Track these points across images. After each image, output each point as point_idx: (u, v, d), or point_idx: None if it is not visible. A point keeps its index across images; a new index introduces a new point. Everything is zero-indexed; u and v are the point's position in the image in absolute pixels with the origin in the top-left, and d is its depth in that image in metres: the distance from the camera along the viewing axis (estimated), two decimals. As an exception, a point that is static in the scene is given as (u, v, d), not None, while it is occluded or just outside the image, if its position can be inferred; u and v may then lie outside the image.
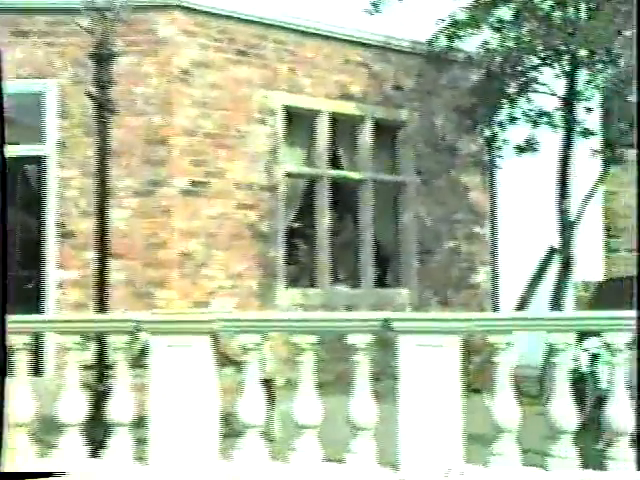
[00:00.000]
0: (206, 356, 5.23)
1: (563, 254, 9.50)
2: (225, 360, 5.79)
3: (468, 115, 9.32)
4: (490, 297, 12.94)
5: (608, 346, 4.99)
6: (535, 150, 9.22)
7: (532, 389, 9.13)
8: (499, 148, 9.92)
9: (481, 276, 12.97)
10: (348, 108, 10.89)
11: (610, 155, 9.02)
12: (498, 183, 13.71)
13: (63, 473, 4.70)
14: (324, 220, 10.73)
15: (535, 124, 8.93)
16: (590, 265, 13.85)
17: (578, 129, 8.99)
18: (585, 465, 5.02)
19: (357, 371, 5.17)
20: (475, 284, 12.85)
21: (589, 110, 8.88)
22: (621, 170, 14.51)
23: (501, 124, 9.20)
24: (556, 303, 9.21)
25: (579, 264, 13.01)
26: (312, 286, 10.72)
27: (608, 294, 11.25)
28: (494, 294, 13.14)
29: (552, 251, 10.38)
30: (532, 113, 9.04)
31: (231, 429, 5.45)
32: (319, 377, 5.35)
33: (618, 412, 4.92)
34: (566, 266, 9.51)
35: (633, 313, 5.07)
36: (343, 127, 11.10)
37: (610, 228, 14.53)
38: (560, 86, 8.92)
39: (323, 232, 10.75)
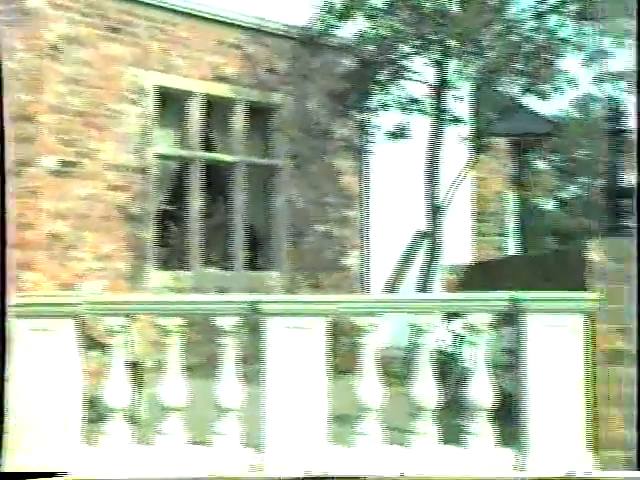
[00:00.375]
0: (70, 340, 5.13)
1: (431, 238, 9.74)
2: (91, 343, 5.69)
3: (340, 100, 9.42)
4: (361, 280, 13.16)
5: (470, 327, 5.17)
6: (406, 136, 9.41)
7: (399, 370, 9.35)
8: (371, 133, 10.06)
9: (352, 259, 13.16)
10: (222, 90, 10.82)
11: (478, 143, 9.30)
12: (370, 167, 13.93)
13: (65, 473, 4.70)
14: (196, 202, 10.66)
15: (406, 111, 9.11)
16: (459, 249, 14.25)
17: (447, 117, 9.22)
18: (446, 441, 5.19)
19: (224, 354, 5.18)
20: (346, 267, 13.03)
21: (458, 99, 9.12)
22: (490, 157, 15.01)
23: (373, 110, 9.34)
24: (423, 286, 9.45)
25: (448, 248, 13.39)
26: (183, 268, 10.64)
27: (474, 277, 11.64)
28: (365, 277, 13.37)
29: (421, 235, 10.63)
30: (403, 100, 9.20)
31: (97, 413, 5.38)
32: (189, 360, 5.33)
33: (478, 389, 5.10)
34: (434, 250, 9.75)
35: (495, 294, 5.27)
36: (216, 109, 11.02)
37: (479, 213, 14.99)
38: (431, 74, 9.11)
39: (194, 214, 10.68)
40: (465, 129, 9.29)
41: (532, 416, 4.98)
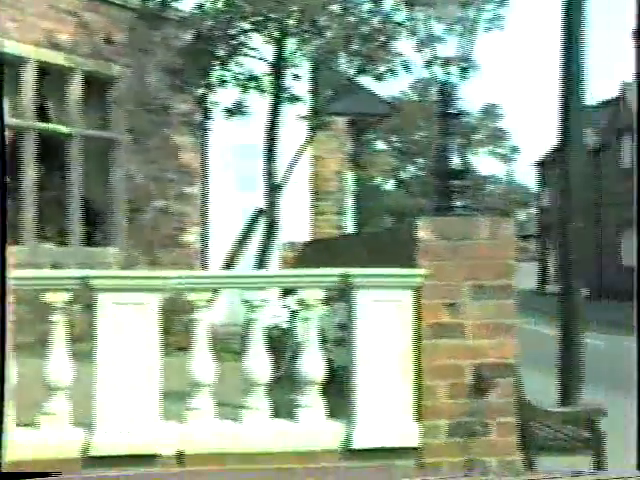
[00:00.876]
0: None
1: (268, 216, 9.80)
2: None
3: (178, 75, 9.29)
4: (200, 257, 13.09)
5: (303, 302, 5.24)
6: (244, 114, 9.39)
7: (235, 345, 9.38)
8: (208, 110, 9.98)
9: (191, 236, 13.08)
10: (57, 58, 10.46)
11: (316, 121, 9.39)
12: (210, 144, 13.85)
13: (59, 473, 4.59)
14: (30, 174, 10.29)
15: (244, 88, 9.09)
16: (298, 227, 14.41)
17: (286, 95, 9.27)
18: (278, 415, 5.26)
19: (54, 331, 5.04)
20: (185, 243, 12.94)
21: (296, 77, 9.18)
22: (328, 137, 15.19)
23: (210, 86, 9.27)
24: (260, 263, 9.50)
25: (287, 226, 13.50)
26: (16, 243, 10.26)
27: (311, 254, 11.80)
28: (204, 254, 13.31)
29: (259, 212, 10.67)
30: (241, 77, 9.17)
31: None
32: (18, 338, 5.15)
33: (309, 363, 5.19)
34: (271, 227, 9.82)
35: (326, 271, 5.36)
36: (52, 78, 10.67)
37: (318, 192, 15.18)
38: (270, 52, 9.13)
39: (29, 187, 10.31)
40: (303, 108, 9.36)
41: (361, 389, 5.10)
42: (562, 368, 10.56)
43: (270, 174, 9.62)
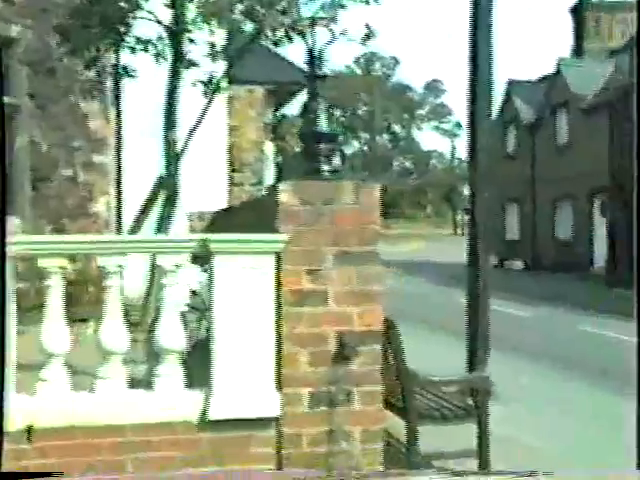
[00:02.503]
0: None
1: (168, 184, 9.57)
2: None
3: (69, 37, 8.97)
4: (109, 226, 12.82)
5: (161, 268, 5.08)
6: (132, 77, 9.14)
7: (135, 316, 9.23)
8: (113, 75, 9.66)
9: (100, 205, 12.79)
10: (-51, 19, 10.08)
11: (212, 87, 9.16)
12: (121, 111, 13.54)
13: (61, 473, 4.51)
14: None
15: (133, 50, 8.81)
16: (214, 197, 14.20)
17: (184, 60, 9.02)
18: (132, 385, 5.10)
19: None
20: (94, 213, 12.65)
21: (192, 41, 8.93)
22: (244, 106, 14.95)
23: (99, 49, 8.95)
24: (159, 232, 9.28)
25: (202, 196, 13.29)
26: None
27: (218, 223, 11.61)
28: (113, 224, 13.05)
29: (161, 181, 10.43)
30: (138, 40, 8.89)
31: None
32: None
33: (166, 331, 5.03)
34: (171, 196, 9.60)
35: (184, 236, 5.20)
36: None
37: (234, 162, 14.99)
38: (167, 15, 8.86)
39: None
40: (202, 73, 9.12)
41: (219, 358, 4.96)
42: (470, 336, 10.60)
43: (169, 142, 9.38)
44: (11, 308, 4.74)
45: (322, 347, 5.05)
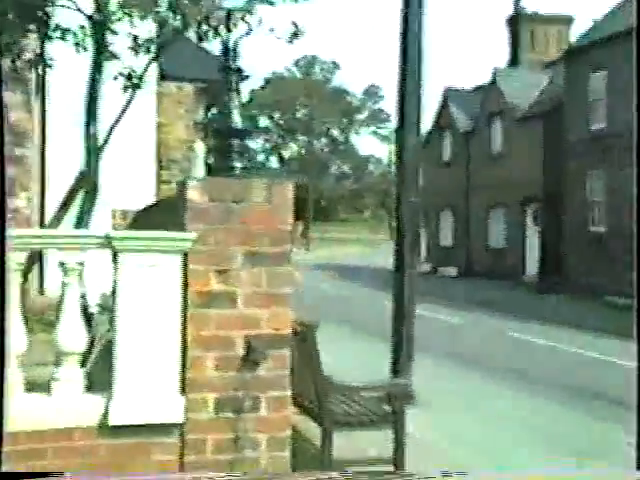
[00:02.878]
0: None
1: (87, 179, 9.28)
2: None
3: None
4: (29, 223, 12.46)
5: (62, 265, 4.85)
6: (49, 66, 8.85)
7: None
8: (18, 63, 9.31)
9: (20, 201, 12.42)
10: None
11: (133, 82, 8.90)
12: (46, 103, 13.19)
13: (61, 474, 4.41)
14: None
15: (50, 39, 8.51)
16: (141, 194, 13.89)
17: (105, 51, 8.75)
18: (34, 389, 4.86)
19: None
20: (14, 209, 12.27)
21: (114, 33, 8.67)
22: (172, 103, 14.69)
23: (13, 37, 8.62)
24: (78, 228, 8.99)
25: (129, 194, 12.97)
26: None
27: (140, 220, 11.33)
28: (34, 220, 12.69)
29: (81, 176, 10.12)
30: (55, 28, 8.59)
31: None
32: None
33: (66, 332, 4.81)
34: (91, 191, 9.31)
35: (85, 232, 4.99)
36: None
37: (161, 160, 14.71)
38: (89, 4, 8.58)
39: None
40: (123, 67, 8.86)
41: (121, 360, 4.75)
42: (394, 342, 10.52)
43: (89, 135, 9.09)
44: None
45: (229, 351, 4.87)
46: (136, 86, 8.80)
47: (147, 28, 9.06)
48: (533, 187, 32.12)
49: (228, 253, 4.89)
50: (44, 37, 8.32)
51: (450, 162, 40.71)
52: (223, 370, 4.86)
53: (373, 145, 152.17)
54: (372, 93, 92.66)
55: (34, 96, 12.42)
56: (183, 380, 4.84)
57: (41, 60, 8.60)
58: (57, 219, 10.76)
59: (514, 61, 39.13)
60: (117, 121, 9.29)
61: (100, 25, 8.62)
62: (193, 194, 4.87)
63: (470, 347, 16.57)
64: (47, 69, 8.84)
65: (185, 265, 4.86)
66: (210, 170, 5.24)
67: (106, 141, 9.32)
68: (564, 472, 6.90)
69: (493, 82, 36.36)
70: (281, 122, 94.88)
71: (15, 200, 12.35)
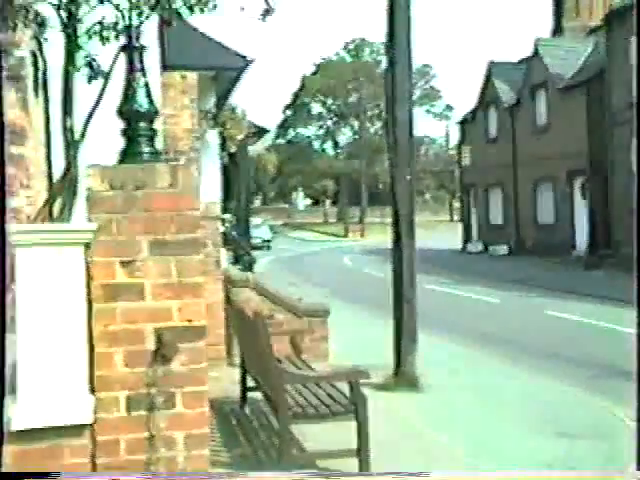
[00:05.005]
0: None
1: (68, 173, 9.14)
2: None
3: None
4: (31, 221, 12.40)
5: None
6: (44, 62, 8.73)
7: None
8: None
9: (22, 199, 12.37)
10: None
11: (96, 72, 8.68)
12: (49, 101, 13.10)
13: (58, 474, 4.40)
14: None
15: (14, 29, 8.34)
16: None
17: (72, 42, 8.56)
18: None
19: None
20: (14, 208, 12.21)
21: (79, 21, 8.46)
22: (178, 93, 14.51)
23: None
24: (60, 221, 8.87)
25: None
26: None
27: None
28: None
29: (65, 171, 10.00)
30: (36, 21, 8.44)
31: None
32: None
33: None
34: (71, 185, 9.17)
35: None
36: None
37: (168, 152, 14.54)
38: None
39: None
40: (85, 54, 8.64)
41: (22, 361, 4.54)
42: (395, 324, 10.20)
43: (67, 129, 8.94)
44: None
45: (139, 346, 4.64)
46: (101, 75, 8.59)
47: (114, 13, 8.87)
48: (579, 159, 31.27)
49: (133, 243, 4.66)
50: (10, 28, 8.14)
51: (496, 138, 40.00)
52: (134, 366, 4.63)
53: (427, 125, 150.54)
54: (424, 72, 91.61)
55: (33, 94, 12.33)
56: (91, 378, 4.62)
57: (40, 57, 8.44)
58: (40, 213, 10.68)
59: (557, 30, 38.11)
60: (91, 114, 9.11)
61: (67, 11, 8.44)
62: (92, 181, 4.65)
63: (504, 328, 16.13)
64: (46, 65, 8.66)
65: (88, 257, 4.63)
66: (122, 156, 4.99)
67: (83, 135, 9.16)
68: (564, 473, 6.58)
69: (536, 53, 35.49)
70: (333, 107, 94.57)
71: (15, 199, 12.30)
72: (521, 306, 19.79)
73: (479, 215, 43.02)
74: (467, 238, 44.47)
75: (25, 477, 4.34)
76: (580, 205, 32.27)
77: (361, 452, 6.16)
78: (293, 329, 9.99)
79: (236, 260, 18.05)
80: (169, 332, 4.65)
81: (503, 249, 38.03)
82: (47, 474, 4.38)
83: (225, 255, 15.65)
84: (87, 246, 4.64)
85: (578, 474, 6.54)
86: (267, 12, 8.71)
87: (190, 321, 4.69)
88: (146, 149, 4.90)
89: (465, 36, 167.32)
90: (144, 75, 4.97)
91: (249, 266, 17.78)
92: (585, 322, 16.24)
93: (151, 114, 4.95)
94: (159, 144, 4.85)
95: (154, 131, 4.99)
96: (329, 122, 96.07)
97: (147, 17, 6.34)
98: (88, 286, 4.63)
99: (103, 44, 8.79)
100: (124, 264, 4.64)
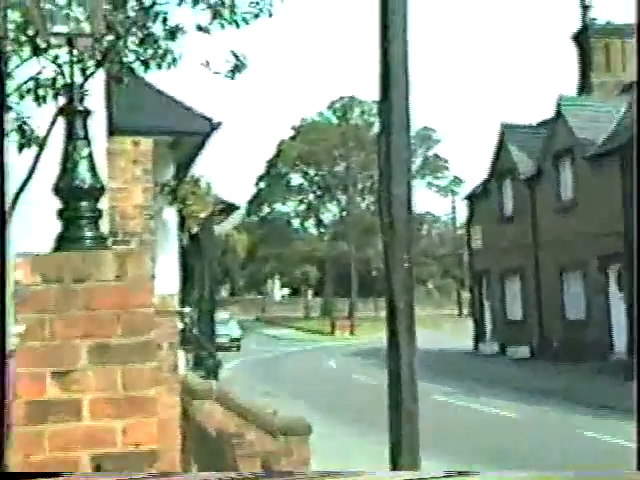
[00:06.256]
0: None
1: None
2: None
3: None
4: None
5: None
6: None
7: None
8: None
9: None
10: None
11: (27, 138, 8.74)
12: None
13: (59, 474, 4.43)
14: None
15: None
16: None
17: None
18: None
19: None
20: None
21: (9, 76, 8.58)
22: (129, 162, 14.64)
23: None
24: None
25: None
26: None
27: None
28: None
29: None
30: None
31: None
32: None
33: None
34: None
35: None
36: None
37: (116, 233, 14.56)
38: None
39: None
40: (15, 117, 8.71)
41: None
42: (392, 440, 10.06)
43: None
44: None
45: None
46: (35, 143, 8.64)
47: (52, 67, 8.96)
48: (614, 241, 31.47)
49: (69, 349, 4.60)
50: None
51: (513, 216, 40.33)
52: None
53: (430, 199, 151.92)
54: (425, 137, 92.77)
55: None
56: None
57: None
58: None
59: (584, 86, 38.80)
60: (20, 190, 9.14)
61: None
62: (21, 274, 4.61)
63: (527, 450, 15.97)
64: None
65: (13, 367, 4.57)
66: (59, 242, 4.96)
67: (11, 210, 9.16)
68: (565, 474, 6.93)
69: (559, 114, 36.02)
70: (316, 178, 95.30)
71: None
72: (547, 424, 19.66)
73: (493, 309, 43.08)
74: (479, 337, 44.44)
75: (26, 478, 4.46)
76: (617, 297, 32.38)
77: None
78: (266, 450, 9.83)
79: (197, 364, 17.92)
80: (110, 461, 4.56)
81: (523, 351, 37.97)
82: (47, 474, 4.42)
83: (184, 359, 15.54)
84: (11, 354, 4.58)
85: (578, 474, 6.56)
86: (237, 68, 8.87)
87: (138, 445, 4.61)
88: (88, 233, 4.88)
89: (474, 94, 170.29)
90: (88, 144, 4.97)
91: (213, 372, 17.67)
92: (633, 448, 16.13)
93: (95, 190, 4.94)
94: (104, 226, 4.82)
95: (98, 211, 4.98)
96: (311, 196, 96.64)
97: (92, 74, 6.43)
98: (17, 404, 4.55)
99: (38, 105, 8.93)
100: (57, 376, 4.58)
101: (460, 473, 4.87)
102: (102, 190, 5.02)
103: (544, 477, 6.17)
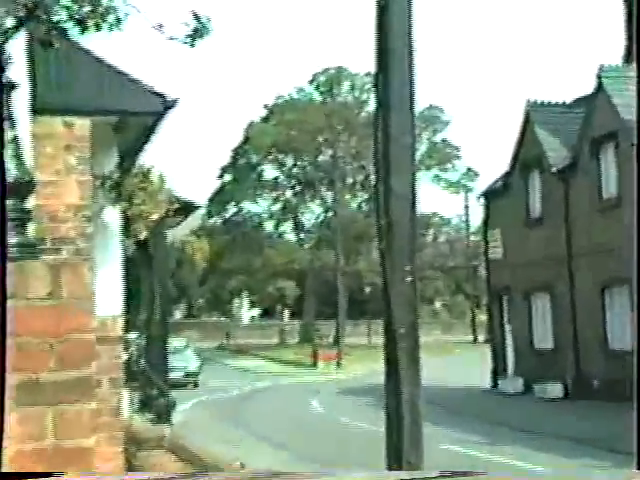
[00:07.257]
0: None
1: None
2: None
3: None
4: None
5: None
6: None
7: None
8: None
9: None
10: None
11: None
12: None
13: (61, 474, 4.52)
14: None
15: None
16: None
17: None
18: None
19: None
20: None
21: None
22: (60, 149, 14.68)
23: None
24: None
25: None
26: None
27: None
28: None
29: None
30: None
31: None
32: None
33: None
34: None
35: None
36: None
37: (44, 239, 14.58)
38: None
39: None
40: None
41: None
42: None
43: None
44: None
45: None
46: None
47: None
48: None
49: (-10, 384, 4.62)
50: None
51: (542, 217, 40.38)
52: None
53: (437, 197, 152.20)
54: (430, 118, 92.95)
55: None
56: None
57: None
58: None
59: (631, 54, 38.94)
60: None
61: None
62: None
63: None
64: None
65: None
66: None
67: None
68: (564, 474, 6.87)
69: (600, 89, 36.10)
70: (295, 171, 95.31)
71: None
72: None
73: (517, 335, 43.09)
74: (499, 370, 44.46)
75: (26, 477, 4.62)
76: (673, 320, 32.50)
77: None
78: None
79: (145, 405, 17.91)
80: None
81: (555, 389, 37.96)
82: (48, 474, 4.56)
83: (128, 398, 15.56)
84: None
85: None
86: (197, 33, 8.90)
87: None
88: (13, 239, 4.89)
89: (491, 63, 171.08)
90: (12, 126, 4.99)
91: (165, 414, 17.66)
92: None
93: (22, 185, 4.96)
94: (32, 230, 4.84)
95: (27, 212, 4.99)
96: (289, 192, 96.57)
97: (12, 35, 6.44)
98: None
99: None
100: (-27, 420, 4.60)
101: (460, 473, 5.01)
102: (31, 185, 5.04)
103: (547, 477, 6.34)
